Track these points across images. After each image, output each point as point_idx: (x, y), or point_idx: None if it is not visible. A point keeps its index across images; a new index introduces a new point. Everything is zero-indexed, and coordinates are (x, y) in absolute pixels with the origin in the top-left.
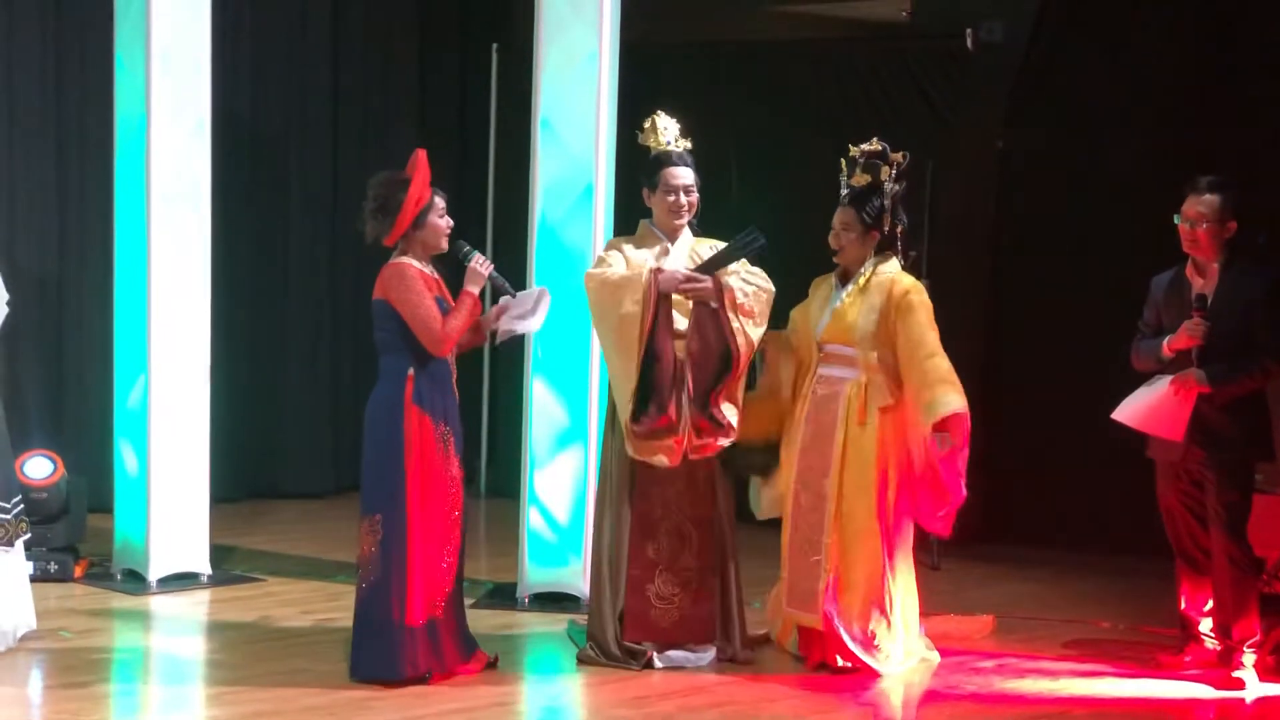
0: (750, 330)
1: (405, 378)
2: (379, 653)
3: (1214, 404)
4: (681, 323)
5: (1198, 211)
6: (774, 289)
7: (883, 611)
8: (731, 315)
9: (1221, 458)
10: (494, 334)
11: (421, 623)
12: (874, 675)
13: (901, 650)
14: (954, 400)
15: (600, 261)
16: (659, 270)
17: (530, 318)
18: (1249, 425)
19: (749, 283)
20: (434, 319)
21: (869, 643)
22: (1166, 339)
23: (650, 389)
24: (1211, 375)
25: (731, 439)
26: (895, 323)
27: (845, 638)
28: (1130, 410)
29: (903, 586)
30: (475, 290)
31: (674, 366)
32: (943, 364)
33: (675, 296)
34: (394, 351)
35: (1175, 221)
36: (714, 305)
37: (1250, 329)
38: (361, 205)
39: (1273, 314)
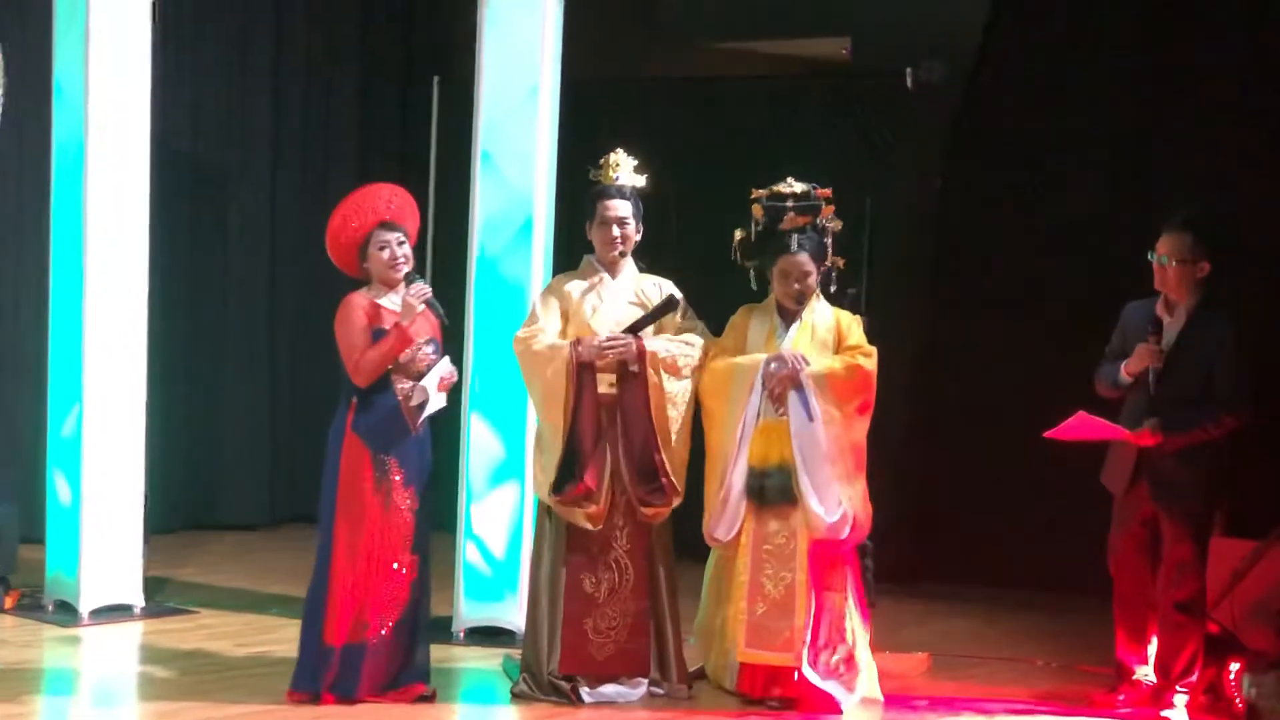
0: (675, 386)
1: (349, 406)
2: (299, 663)
3: (1164, 451)
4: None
5: (1169, 248)
6: (705, 341)
7: (845, 642)
8: (653, 373)
9: (1175, 507)
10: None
11: (339, 644)
12: (823, 710)
13: (866, 683)
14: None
15: (531, 319)
16: (578, 341)
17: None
18: (1204, 472)
19: (674, 342)
20: (354, 349)
21: (835, 676)
22: (1124, 363)
23: (574, 457)
24: (1165, 424)
25: (678, 501)
26: (843, 336)
27: (812, 673)
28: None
29: (859, 617)
30: (404, 322)
31: (596, 435)
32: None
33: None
34: (343, 379)
35: (1149, 258)
36: (634, 369)
37: (1209, 378)
38: None
39: (1232, 365)
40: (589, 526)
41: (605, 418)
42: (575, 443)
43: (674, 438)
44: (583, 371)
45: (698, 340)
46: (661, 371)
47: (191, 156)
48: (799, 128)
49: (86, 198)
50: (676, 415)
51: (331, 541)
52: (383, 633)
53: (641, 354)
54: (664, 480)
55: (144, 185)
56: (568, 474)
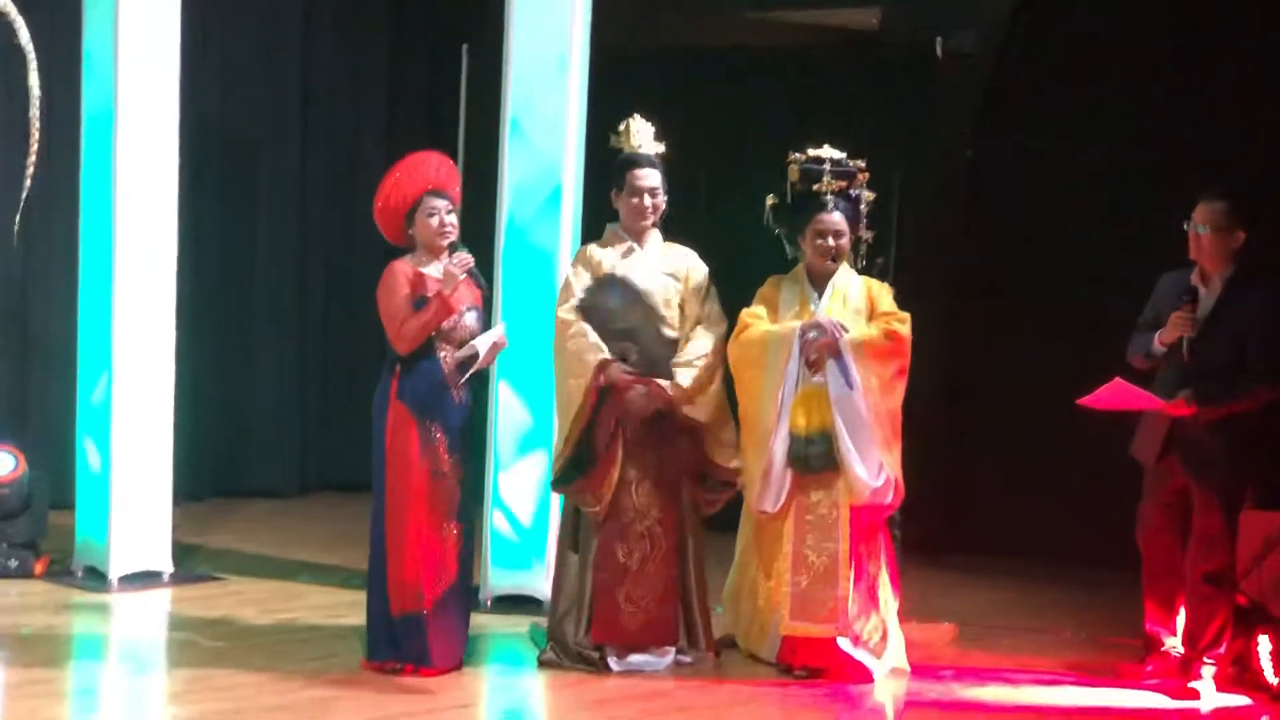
0: (703, 396)
1: (393, 373)
2: (369, 634)
3: (1198, 421)
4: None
5: (1205, 216)
6: (717, 335)
7: (878, 611)
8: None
9: (1205, 478)
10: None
11: (399, 614)
12: (855, 679)
13: (894, 652)
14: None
15: (566, 291)
16: (603, 365)
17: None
18: (1235, 443)
19: (688, 367)
20: (394, 318)
21: (867, 645)
22: (1158, 333)
23: (581, 462)
24: (1199, 396)
25: (739, 485)
26: (874, 303)
27: (846, 642)
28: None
29: (890, 587)
30: (446, 291)
31: (608, 446)
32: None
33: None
34: (387, 346)
35: (1185, 226)
36: (660, 409)
37: (1244, 350)
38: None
39: (1267, 337)
40: (591, 515)
41: (638, 431)
42: (586, 449)
43: (719, 430)
44: (604, 394)
45: (705, 343)
46: (691, 399)
47: (220, 124)
48: (828, 98)
49: (116, 166)
50: (712, 408)
51: (384, 510)
52: (436, 602)
53: (665, 398)
54: (723, 477)
55: (173, 153)
56: (573, 472)
